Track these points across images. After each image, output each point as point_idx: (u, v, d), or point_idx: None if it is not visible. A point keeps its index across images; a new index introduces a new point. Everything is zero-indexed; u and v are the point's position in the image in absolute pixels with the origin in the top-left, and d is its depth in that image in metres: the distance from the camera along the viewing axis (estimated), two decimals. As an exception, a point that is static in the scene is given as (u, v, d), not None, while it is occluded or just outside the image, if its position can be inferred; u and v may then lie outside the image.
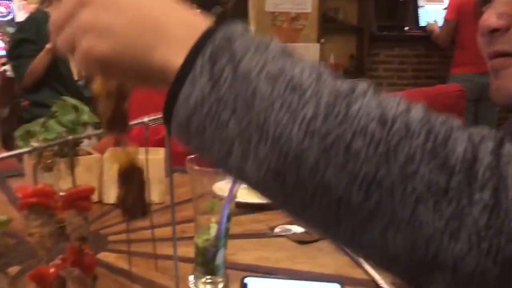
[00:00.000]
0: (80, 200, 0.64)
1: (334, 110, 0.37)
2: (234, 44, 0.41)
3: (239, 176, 0.42)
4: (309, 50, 5.00)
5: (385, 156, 0.36)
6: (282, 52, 0.41)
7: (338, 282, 0.94)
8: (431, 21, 5.01)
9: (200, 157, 0.45)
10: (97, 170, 1.42)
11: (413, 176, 0.36)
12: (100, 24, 0.44)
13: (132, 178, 0.69)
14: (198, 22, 0.44)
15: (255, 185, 0.41)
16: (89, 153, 1.45)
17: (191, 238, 0.99)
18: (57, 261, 0.62)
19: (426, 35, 5.20)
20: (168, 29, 0.43)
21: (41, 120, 1.34)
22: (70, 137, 0.60)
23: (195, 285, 0.97)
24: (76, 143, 1.36)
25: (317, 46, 5.39)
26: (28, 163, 1.37)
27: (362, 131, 0.37)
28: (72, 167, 0.63)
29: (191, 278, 0.98)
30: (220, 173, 0.87)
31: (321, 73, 0.40)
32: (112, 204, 1.41)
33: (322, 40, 5.56)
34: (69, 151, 0.63)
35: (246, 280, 0.96)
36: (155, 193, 1.36)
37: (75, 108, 1.36)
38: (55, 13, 0.48)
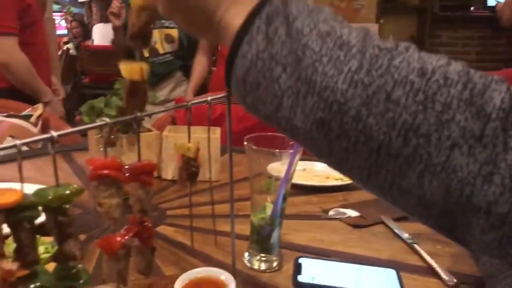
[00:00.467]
0: (143, 174, 0.66)
1: (377, 63, 0.40)
2: (289, 7, 0.44)
3: (288, 128, 0.44)
4: (367, 31, 4.85)
5: (423, 104, 0.38)
6: (333, 16, 0.45)
7: (393, 268, 0.93)
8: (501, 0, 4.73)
9: (254, 113, 0.47)
10: (156, 147, 1.46)
11: (448, 123, 0.38)
12: None
13: (137, 91, 0.70)
14: None
15: (302, 137, 0.44)
16: (149, 130, 1.49)
17: (246, 216, 1.01)
18: (122, 231, 0.65)
19: (493, 16, 4.91)
20: None
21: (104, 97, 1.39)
22: (139, 113, 0.62)
23: (249, 262, 0.99)
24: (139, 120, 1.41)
25: (375, 27, 5.24)
26: (92, 138, 1.44)
27: (402, 81, 0.39)
28: (138, 142, 0.66)
29: (246, 255, 1.00)
30: (276, 153, 0.88)
31: (368, 34, 0.43)
32: (170, 180, 1.46)
33: (381, 21, 5.40)
34: (136, 127, 0.65)
35: (301, 260, 0.97)
36: (211, 171, 1.39)
37: (137, 86, 1.40)
38: None
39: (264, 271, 0.96)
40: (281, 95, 0.43)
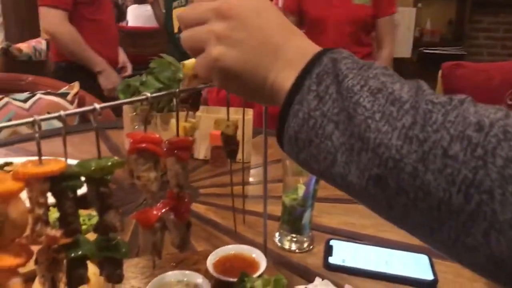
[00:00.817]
0: (180, 149, 0.67)
1: (432, 118, 0.39)
2: (339, 65, 0.45)
3: (343, 184, 0.44)
4: (404, 15, 4.74)
5: (483, 159, 0.37)
6: (383, 71, 0.45)
7: (425, 253, 0.92)
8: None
9: (307, 169, 0.48)
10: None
11: None
12: (235, 39, 0.49)
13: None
14: (311, 48, 0.49)
15: (358, 193, 0.43)
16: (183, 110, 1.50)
17: (276, 197, 1.01)
18: (159, 205, 0.66)
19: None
20: (285, 54, 0.49)
21: (141, 76, 1.41)
22: (177, 89, 0.62)
23: (280, 242, 0.99)
24: (171, 98, 1.43)
25: (413, 10, 5.10)
26: (127, 116, 1.46)
27: (459, 136, 0.38)
28: (177, 117, 0.66)
29: (276, 235, 1.01)
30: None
31: (420, 88, 0.42)
32: (202, 160, 1.48)
33: (419, 5, 5.25)
34: (177, 103, 0.66)
35: (332, 242, 0.97)
36: (242, 152, 1.39)
37: (172, 66, 1.41)
38: (188, 10, 0.54)
39: (294, 252, 0.97)
40: (334, 151, 0.43)
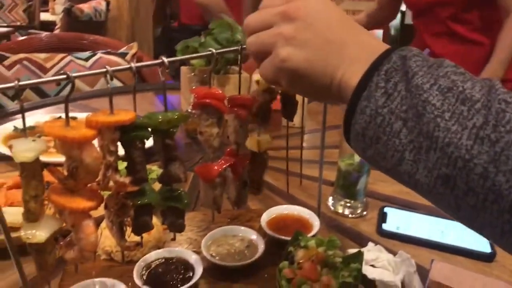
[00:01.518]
0: (240, 107, 0.67)
1: (505, 118, 0.38)
2: (408, 62, 0.44)
3: (411, 182, 0.44)
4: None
5: None
6: (455, 70, 0.43)
7: (484, 227, 0.89)
8: None
9: (375, 166, 0.47)
10: (245, 90, 1.48)
11: None
12: (302, 39, 0.49)
13: (256, 162, 0.76)
14: (377, 45, 0.48)
15: (426, 192, 0.43)
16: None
17: (330, 163, 1.01)
18: (220, 161, 0.68)
19: None
20: (351, 51, 0.48)
21: (199, 37, 1.42)
22: (241, 46, 0.62)
23: (333, 206, 1.00)
24: (228, 61, 1.43)
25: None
26: (184, 77, 1.49)
27: None
28: (239, 73, 0.67)
29: (330, 199, 1.01)
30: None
31: (493, 87, 0.41)
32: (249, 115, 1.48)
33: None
34: (240, 59, 0.66)
35: (386, 209, 0.96)
36: (297, 118, 1.39)
37: (231, 27, 1.41)
38: (254, 16, 0.54)
39: (347, 216, 0.97)
40: (402, 149, 0.42)
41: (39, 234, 0.50)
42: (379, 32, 3.52)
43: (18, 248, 0.53)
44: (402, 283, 0.74)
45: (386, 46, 0.48)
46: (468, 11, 1.72)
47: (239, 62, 0.67)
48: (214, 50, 0.58)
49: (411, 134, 0.42)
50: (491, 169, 0.37)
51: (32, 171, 0.49)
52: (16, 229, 0.80)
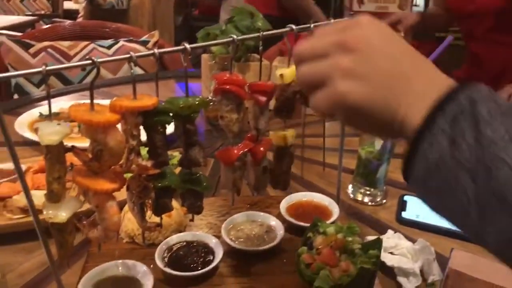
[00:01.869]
0: (260, 93, 0.68)
1: None
2: (478, 107, 0.39)
3: (477, 238, 0.41)
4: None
5: None
6: None
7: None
8: None
9: (434, 211, 0.45)
10: (265, 77, 1.48)
11: None
12: (362, 72, 0.45)
13: (283, 156, 0.76)
14: (442, 79, 0.44)
15: (494, 251, 0.41)
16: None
17: (350, 151, 1.00)
18: (240, 145, 0.68)
19: None
20: (415, 87, 0.44)
21: (221, 24, 1.43)
22: (261, 33, 0.63)
23: (352, 194, 1.00)
24: (248, 49, 1.44)
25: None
26: (205, 64, 1.50)
27: None
28: (261, 59, 0.67)
29: (349, 187, 1.01)
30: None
31: None
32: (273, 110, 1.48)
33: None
34: (260, 46, 0.66)
35: (406, 197, 0.96)
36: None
37: (251, 15, 1.41)
38: (308, 44, 0.50)
39: (367, 204, 0.97)
40: (467, 205, 0.39)
41: (60, 214, 0.51)
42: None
43: (45, 229, 0.55)
44: (421, 270, 0.74)
45: (451, 82, 0.44)
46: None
47: (259, 49, 0.67)
48: (235, 37, 0.58)
49: (479, 191, 0.38)
50: None
51: (56, 153, 0.50)
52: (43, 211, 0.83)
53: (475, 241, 0.42)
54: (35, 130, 0.50)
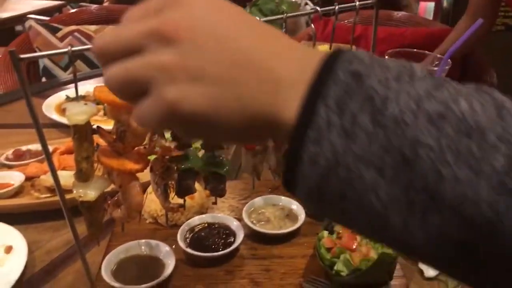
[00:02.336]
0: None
1: None
2: (366, 79, 0.30)
3: (403, 249, 0.33)
4: None
5: None
6: (432, 81, 0.30)
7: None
8: None
9: (343, 226, 0.37)
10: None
11: None
12: (195, 69, 0.32)
13: None
14: (310, 55, 0.33)
15: (430, 261, 0.33)
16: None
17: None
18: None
19: None
20: (274, 69, 0.32)
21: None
22: (286, 14, 0.62)
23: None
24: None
25: None
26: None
27: None
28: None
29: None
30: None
31: (501, 103, 0.29)
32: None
33: None
34: (285, 29, 0.66)
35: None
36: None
37: (275, -2, 1.41)
38: (110, 37, 0.35)
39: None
40: (383, 210, 0.30)
41: (90, 193, 0.53)
42: (431, 4, 3.37)
43: (71, 209, 0.57)
44: (443, 257, 0.73)
45: (318, 53, 0.33)
46: None
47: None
48: (259, 19, 0.58)
49: (395, 188, 0.29)
50: None
51: (84, 133, 0.51)
52: (69, 191, 0.85)
53: (399, 250, 0.33)
54: (63, 111, 0.51)
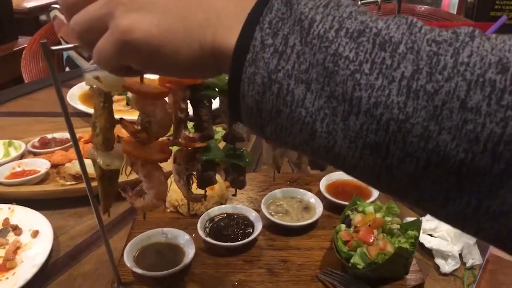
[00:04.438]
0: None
1: (440, 62, 0.31)
2: (297, 6, 0.34)
3: (329, 158, 0.35)
4: None
5: None
6: (357, 9, 0.35)
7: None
8: None
9: (279, 143, 0.38)
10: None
11: None
12: (145, 0, 0.37)
13: None
14: None
15: (350, 166, 0.35)
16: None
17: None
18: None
19: None
20: (217, 4, 0.37)
21: None
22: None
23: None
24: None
25: None
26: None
27: (479, 82, 0.30)
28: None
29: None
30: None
31: (412, 23, 0.33)
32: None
33: None
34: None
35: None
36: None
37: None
38: None
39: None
40: (311, 120, 0.34)
41: (116, 161, 0.54)
42: (454, 0, 3.31)
43: (96, 196, 0.59)
44: (460, 254, 0.73)
45: None
46: None
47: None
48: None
49: (320, 99, 0.33)
50: (432, 127, 0.31)
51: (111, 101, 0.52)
52: (94, 179, 0.87)
53: (327, 160, 0.36)
54: (97, 79, 0.52)
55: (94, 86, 0.52)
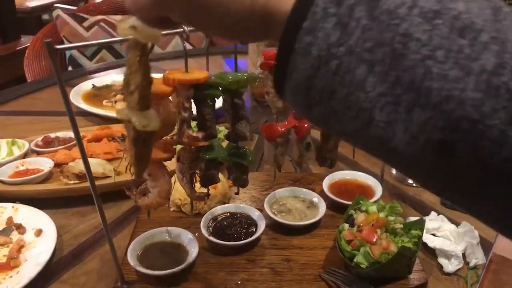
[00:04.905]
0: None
1: None
2: None
3: (383, 151, 0.32)
4: None
5: None
6: None
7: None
8: None
9: (324, 127, 0.34)
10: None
11: None
12: None
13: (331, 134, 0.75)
14: None
15: (407, 163, 0.31)
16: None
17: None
18: (284, 122, 0.69)
19: None
20: None
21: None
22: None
23: (397, 175, 0.99)
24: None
25: None
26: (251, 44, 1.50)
27: None
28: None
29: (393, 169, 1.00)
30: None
31: (498, 7, 0.28)
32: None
33: None
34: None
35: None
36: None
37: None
38: None
39: (411, 185, 0.96)
40: (369, 106, 0.29)
41: (153, 122, 0.47)
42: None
43: (99, 195, 0.59)
44: (463, 253, 0.73)
45: None
46: None
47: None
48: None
49: (383, 83, 0.29)
50: (510, 132, 0.26)
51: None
52: (97, 178, 0.87)
53: (379, 153, 0.33)
54: (133, 29, 0.43)
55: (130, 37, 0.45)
